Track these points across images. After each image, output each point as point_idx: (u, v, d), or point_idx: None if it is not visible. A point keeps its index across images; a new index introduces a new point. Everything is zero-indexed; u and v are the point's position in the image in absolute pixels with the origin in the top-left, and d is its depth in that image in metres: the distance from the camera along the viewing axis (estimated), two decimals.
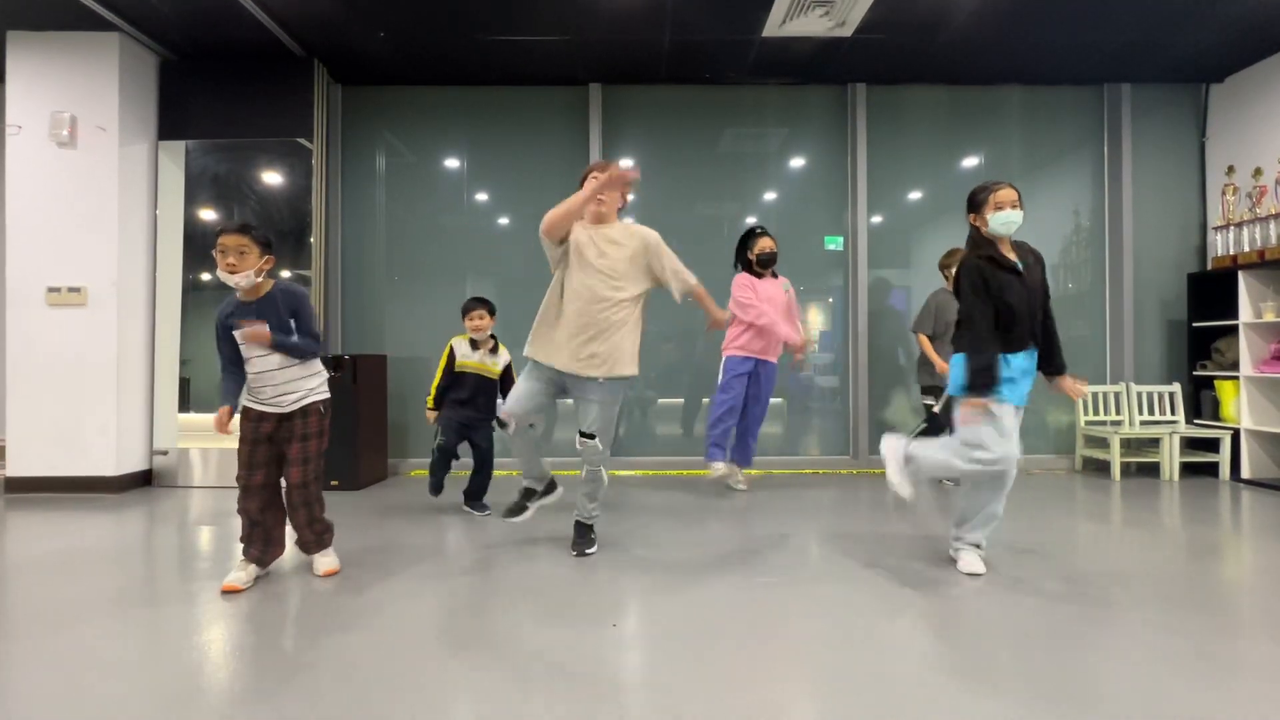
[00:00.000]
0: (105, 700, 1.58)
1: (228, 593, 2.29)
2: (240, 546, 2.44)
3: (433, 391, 3.37)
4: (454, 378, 3.33)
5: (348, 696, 1.58)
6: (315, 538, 2.50)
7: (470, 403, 3.31)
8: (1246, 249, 4.32)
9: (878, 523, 3.23)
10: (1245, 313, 4.21)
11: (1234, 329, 4.30)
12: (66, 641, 1.90)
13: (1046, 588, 2.30)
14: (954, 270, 3.87)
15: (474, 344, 3.34)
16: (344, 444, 4.08)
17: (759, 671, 1.71)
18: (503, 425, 2.62)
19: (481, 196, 4.90)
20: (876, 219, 4.84)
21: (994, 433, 2.27)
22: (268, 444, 2.42)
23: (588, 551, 2.69)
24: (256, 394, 2.40)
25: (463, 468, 3.52)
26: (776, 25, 3.92)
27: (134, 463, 4.16)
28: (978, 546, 2.49)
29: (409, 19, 3.88)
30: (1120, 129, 4.75)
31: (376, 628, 1.99)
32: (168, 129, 4.33)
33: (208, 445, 4.27)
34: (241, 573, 2.36)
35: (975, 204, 2.35)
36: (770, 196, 4.91)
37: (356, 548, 2.82)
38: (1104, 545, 2.84)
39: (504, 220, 4.90)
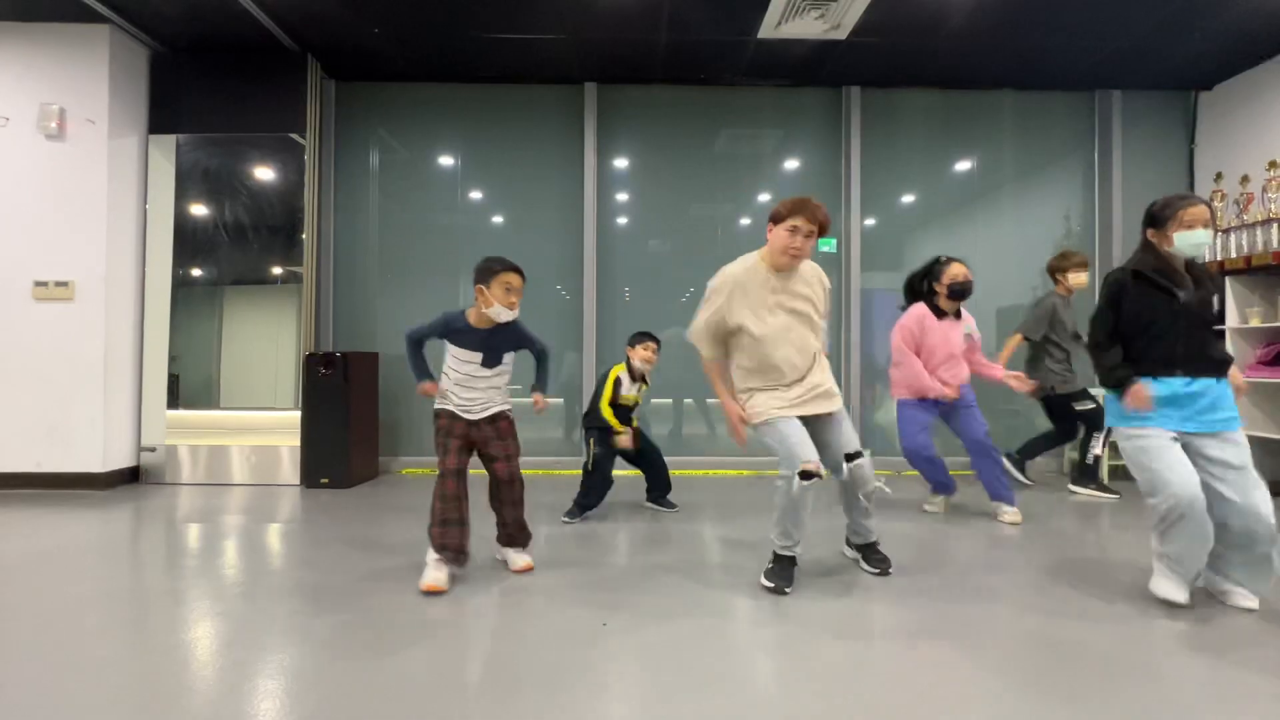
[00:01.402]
0: (90, 699, 1.56)
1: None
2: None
3: (606, 412, 3.19)
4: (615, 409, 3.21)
5: (335, 694, 1.58)
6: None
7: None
8: (1234, 255, 4.37)
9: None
10: (1232, 318, 4.25)
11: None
12: (51, 639, 1.88)
13: (1036, 588, 2.32)
14: (1069, 274, 3.86)
15: (634, 376, 3.27)
16: (335, 442, 4.06)
17: (756, 671, 1.72)
18: (809, 477, 2.19)
19: (475, 194, 4.88)
20: (870, 221, 4.87)
21: (1160, 468, 2.03)
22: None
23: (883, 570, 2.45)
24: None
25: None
26: (772, 27, 3.93)
27: (121, 459, 4.12)
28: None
29: (403, 14, 3.86)
30: (1111, 135, 4.79)
31: (375, 626, 1.98)
32: (158, 122, 4.29)
33: (196, 442, 4.23)
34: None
35: (1158, 220, 2.12)
36: (764, 198, 4.93)
37: (357, 547, 2.80)
38: (1094, 548, 2.86)
39: (498, 218, 4.89)
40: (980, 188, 4.92)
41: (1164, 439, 2.06)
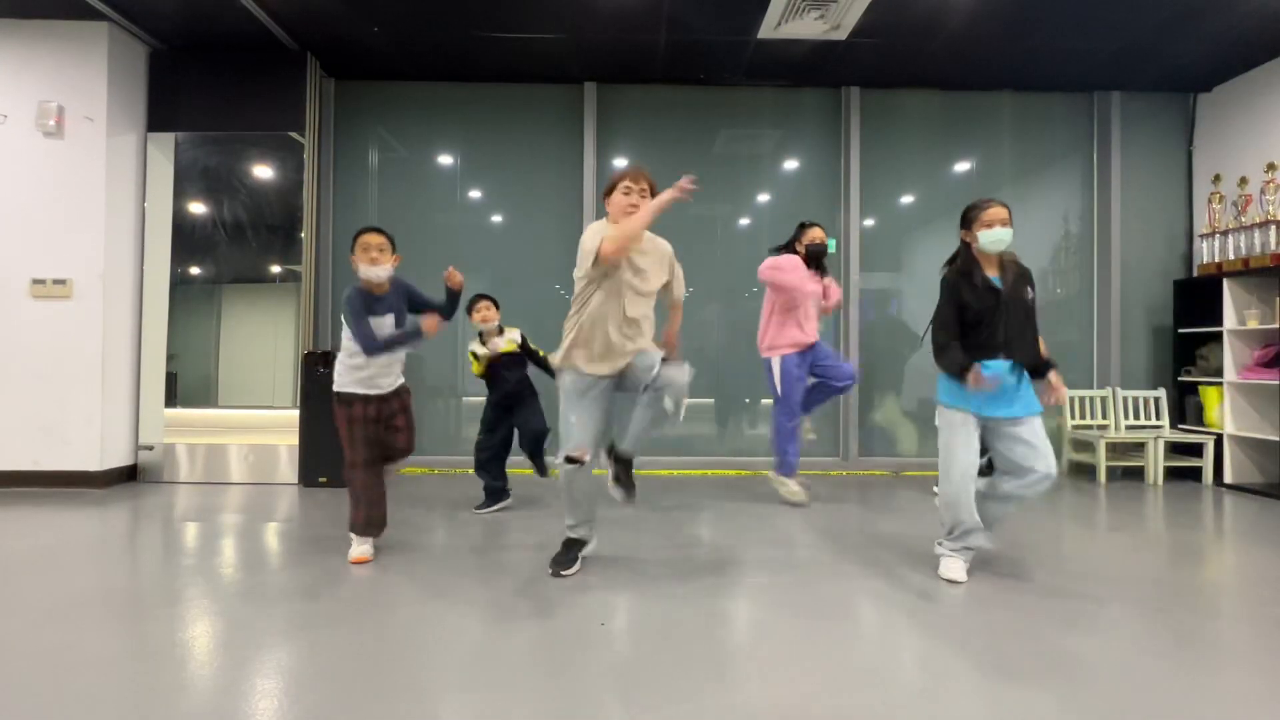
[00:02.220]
0: (87, 699, 1.56)
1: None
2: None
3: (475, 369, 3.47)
4: (490, 378, 3.43)
5: (332, 693, 1.58)
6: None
7: (511, 387, 3.44)
8: (1231, 257, 4.38)
9: (867, 523, 3.25)
10: (1229, 319, 4.27)
11: (1218, 335, 4.36)
12: (48, 639, 1.88)
13: (1031, 589, 2.32)
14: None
15: (481, 339, 3.44)
16: (333, 440, 4.04)
17: (750, 672, 1.72)
18: (574, 462, 2.32)
19: (475, 193, 4.88)
20: (869, 222, 4.87)
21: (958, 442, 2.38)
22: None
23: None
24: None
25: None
26: (772, 27, 3.93)
27: (119, 458, 4.11)
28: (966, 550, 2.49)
29: (403, 13, 3.85)
30: (1109, 136, 4.80)
31: (372, 625, 1.98)
32: (157, 121, 4.28)
33: (194, 441, 4.23)
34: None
35: (966, 220, 2.41)
36: (764, 198, 4.93)
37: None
38: (1088, 548, 2.87)
39: (497, 217, 4.88)
40: (979, 189, 4.92)
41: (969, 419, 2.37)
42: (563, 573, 2.44)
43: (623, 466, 2.45)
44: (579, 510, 2.51)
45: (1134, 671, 1.73)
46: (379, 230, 2.63)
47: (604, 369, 2.38)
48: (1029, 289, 2.42)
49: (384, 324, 2.59)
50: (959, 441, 2.38)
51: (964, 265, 2.41)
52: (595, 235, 2.33)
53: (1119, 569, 2.57)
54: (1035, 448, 2.32)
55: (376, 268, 2.56)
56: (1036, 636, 1.94)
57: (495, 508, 3.46)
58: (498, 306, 3.49)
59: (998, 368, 2.33)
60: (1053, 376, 2.40)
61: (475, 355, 3.44)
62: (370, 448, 2.62)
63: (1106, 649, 1.86)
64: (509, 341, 3.43)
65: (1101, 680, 1.68)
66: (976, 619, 2.07)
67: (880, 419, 4.87)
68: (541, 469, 3.55)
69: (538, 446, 3.48)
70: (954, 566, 2.43)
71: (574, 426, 2.38)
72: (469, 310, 3.43)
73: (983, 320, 2.34)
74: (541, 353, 3.52)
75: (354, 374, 2.60)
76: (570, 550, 2.53)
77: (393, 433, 2.74)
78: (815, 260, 3.58)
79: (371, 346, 2.50)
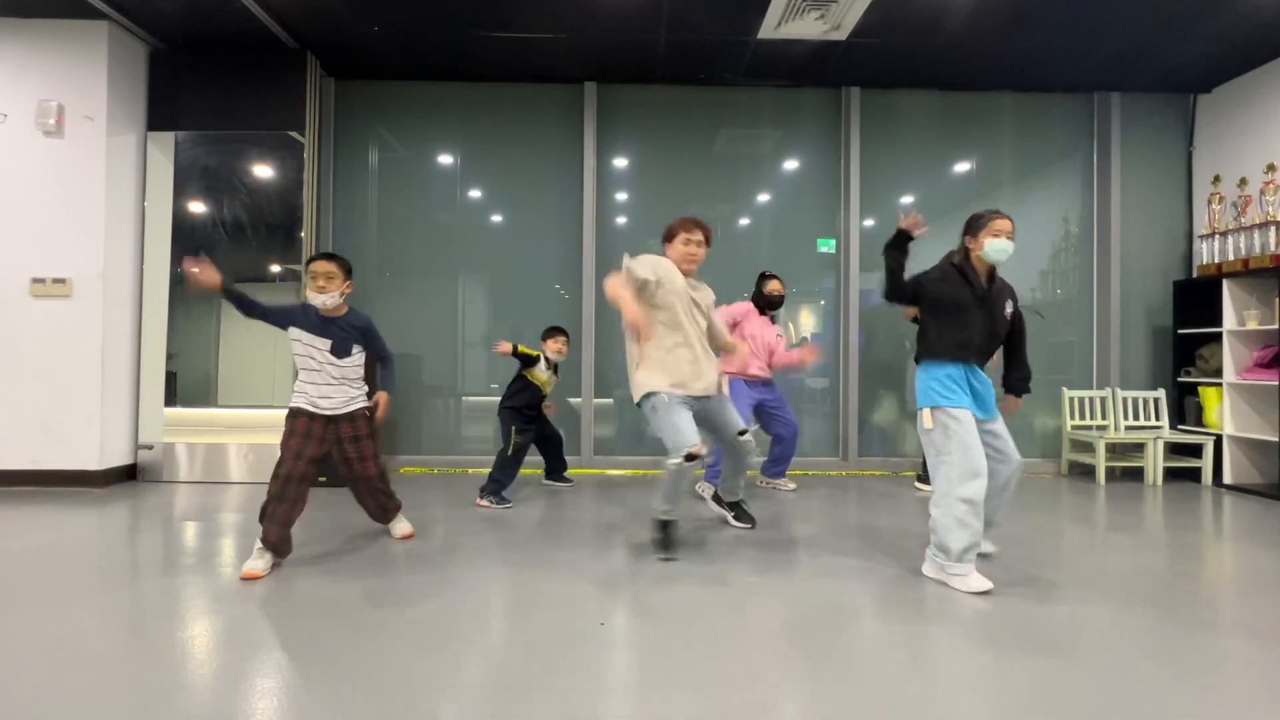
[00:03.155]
0: (85, 698, 1.56)
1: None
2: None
3: (520, 349, 3.64)
4: (525, 384, 3.68)
5: (332, 693, 1.58)
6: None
7: (537, 414, 3.77)
8: (1231, 257, 4.38)
9: (865, 523, 3.25)
10: (1229, 320, 4.27)
11: (1218, 336, 4.36)
12: (46, 638, 1.88)
13: (1029, 590, 2.32)
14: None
15: (549, 364, 3.77)
16: None
17: (745, 673, 1.72)
18: (693, 459, 2.53)
19: (474, 193, 4.88)
20: (869, 222, 4.87)
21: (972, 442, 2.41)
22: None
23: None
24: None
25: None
26: (772, 27, 3.93)
27: (118, 457, 4.11)
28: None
29: (403, 13, 3.85)
30: (1109, 137, 4.80)
31: (371, 625, 1.98)
32: (157, 120, 4.28)
33: (194, 440, 4.22)
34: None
35: (973, 227, 2.46)
36: (764, 198, 4.93)
37: (354, 545, 2.80)
38: (1087, 548, 2.87)
39: (497, 217, 4.88)
40: (979, 189, 4.93)
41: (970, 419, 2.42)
42: (674, 557, 2.65)
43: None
44: (676, 499, 2.70)
45: (1132, 672, 1.73)
46: (329, 257, 2.61)
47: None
48: (1010, 303, 2.52)
49: (316, 344, 2.57)
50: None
51: (960, 260, 2.49)
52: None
53: (1117, 569, 2.57)
54: (1008, 441, 2.48)
55: (323, 295, 2.54)
56: (1035, 637, 1.94)
57: (501, 506, 3.54)
58: (568, 340, 3.91)
59: (968, 376, 2.44)
60: (1016, 400, 2.61)
61: (543, 380, 3.74)
62: (295, 463, 2.48)
63: (1105, 650, 1.86)
64: (553, 379, 3.82)
65: (1100, 681, 1.68)
66: (976, 618, 2.07)
67: (880, 419, 4.87)
68: (564, 468, 4.17)
69: (561, 448, 4.09)
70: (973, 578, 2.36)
71: (680, 429, 2.59)
72: (544, 338, 3.81)
73: (960, 309, 2.42)
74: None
75: (301, 392, 2.59)
76: (672, 532, 2.75)
77: (343, 463, 2.65)
78: (770, 307, 3.96)
79: (249, 306, 2.54)
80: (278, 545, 2.46)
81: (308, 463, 2.51)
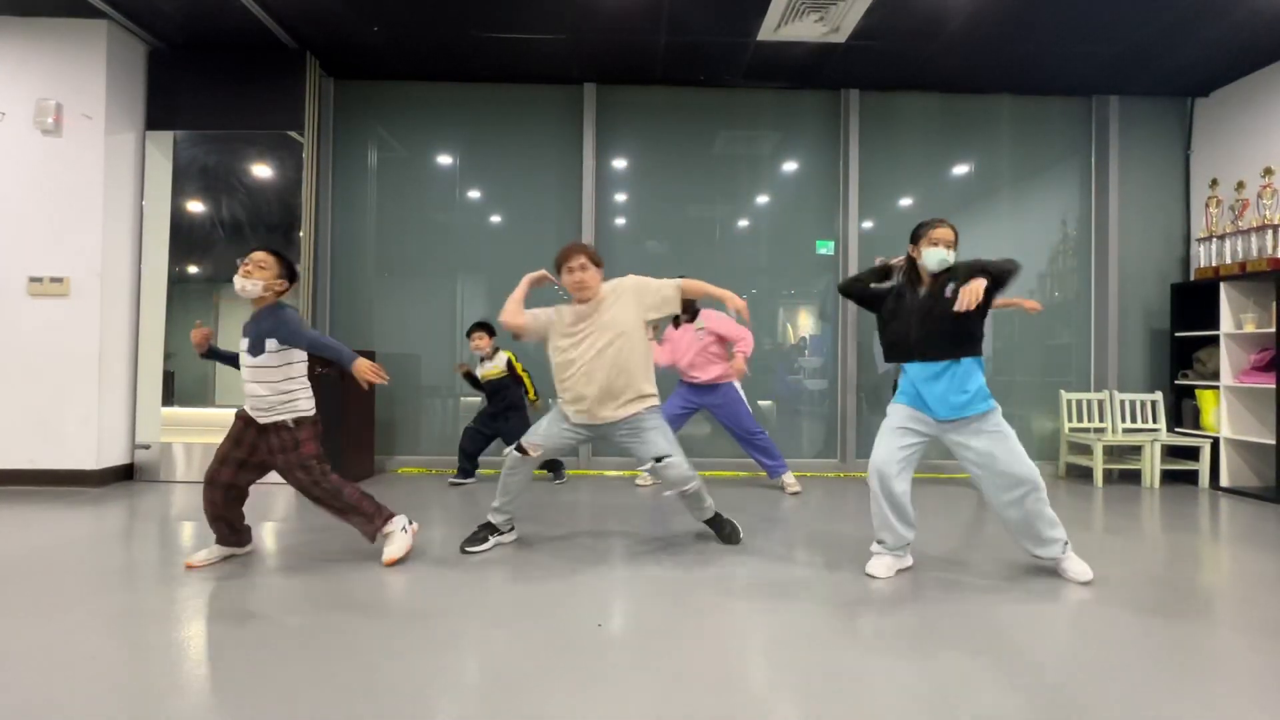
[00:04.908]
0: (81, 699, 1.55)
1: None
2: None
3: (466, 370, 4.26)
4: (488, 393, 4.12)
5: (330, 694, 1.57)
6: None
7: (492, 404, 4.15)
8: (1229, 261, 4.39)
9: (863, 524, 3.25)
10: (1226, 323, 4.28)
11: (1215, 339, 4.37)
12: (43, 638, 1.87)
13: (1030, 590, 2.32)
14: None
15: (480, 360, 4.13)
16: (331, 441, 4.03)
17: (738, 672, 1.72)
18: (522, 452, 2.72)
19: (474, 194, 4.88)
20: (867, 224, 4.88)
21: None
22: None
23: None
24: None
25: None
26: (771, 29, 3.93)
27: (115, 456, 4.10)
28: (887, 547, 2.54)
29: (403, 13, 3.86)
30: (1108, 140, 4.81)
31: (368, 625, 1.98)
32: (156, 119, 4.27)
33: (191, 440, 4.22)
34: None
35: (915, 236, 2.51)
36: (762, 200, 4.93)
37: (352, 546, 2.80)
38: (1085, 550, 2.87)
39: (496, 218, 4.88)
40: (978, 192, 4.94)
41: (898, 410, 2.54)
42: (469, 549, 2.69)
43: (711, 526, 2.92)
44: (507, 496, 2.76)
45: (1130, 673, 1.73)
46: (273, 252, 2.49)
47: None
48: (950, 285, 2.36)
49: (242, 343, 2.46)
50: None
51: (909, 275, 2.52)
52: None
53: (1115, 571, 2.58)
54: (991, 455, 2.45)
55: (243, 280, 2.41)
56: (1033, 637, 1.94)
57: (465, 483, 4.11)
58: (491, 334, 4.07)
59: (919, 372, 2.46)
60: (967, 289, 2.27)
61: (490, 374, 4.08)
62: (218, 467, 2.46)
63: (1104, 650, 1.86)
64: (495, 367, 4.06)
65: (1097, 682, 1.68)
66: (974, 618, 2.07)
67: (878, 421, 4.86)
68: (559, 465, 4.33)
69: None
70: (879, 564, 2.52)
71: (540, 429, 2.77)
72: (468, 335, 4.08)
73: (893, 315, 2.50)
74: (527, 377, 4.15)
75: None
76: (483, 531, 2.77)
77: (284, 474, 2.49)
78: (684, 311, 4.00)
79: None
80: (219, 538, 2.56)
81: (234, 467, 2.47)
